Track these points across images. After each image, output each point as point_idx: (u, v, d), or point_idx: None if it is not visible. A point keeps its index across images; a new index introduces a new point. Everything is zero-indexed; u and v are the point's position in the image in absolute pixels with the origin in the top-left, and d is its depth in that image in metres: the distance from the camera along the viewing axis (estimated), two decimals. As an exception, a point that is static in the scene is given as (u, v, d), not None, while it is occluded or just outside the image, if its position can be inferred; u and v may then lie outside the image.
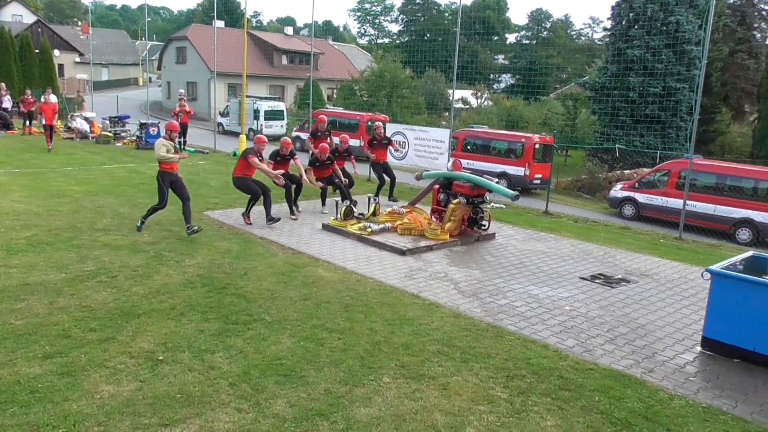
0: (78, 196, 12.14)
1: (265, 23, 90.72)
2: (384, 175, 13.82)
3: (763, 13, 34.34)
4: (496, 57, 68.46)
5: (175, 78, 46.17)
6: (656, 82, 24.74)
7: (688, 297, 7.68)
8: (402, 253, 8.99)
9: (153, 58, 71.33)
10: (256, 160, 10.32)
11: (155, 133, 21.60)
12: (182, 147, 20.94)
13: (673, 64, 24.88)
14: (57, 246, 8.47)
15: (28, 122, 24.08)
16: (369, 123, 24.60)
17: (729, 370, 5.49)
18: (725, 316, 5.72)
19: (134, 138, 22.37)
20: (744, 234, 15.33)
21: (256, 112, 30.20)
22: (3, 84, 25.53)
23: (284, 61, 46.77)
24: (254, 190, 10.45)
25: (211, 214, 11.18)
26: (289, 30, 55.44)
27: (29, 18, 56.84)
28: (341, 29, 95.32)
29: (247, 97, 27.49)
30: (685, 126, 24.88)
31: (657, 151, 22.65)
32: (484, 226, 10.32)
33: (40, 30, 48.93)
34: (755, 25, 34.16)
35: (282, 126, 32.42)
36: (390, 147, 14.51)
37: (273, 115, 31.95)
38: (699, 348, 5.95)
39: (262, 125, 29.47)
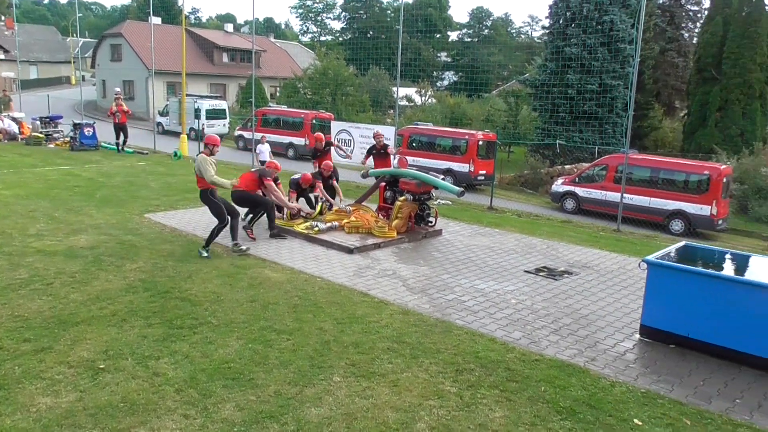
0: (7, 200, 11.56)
1: (204, 20, 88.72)
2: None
3: (690, 13, 35.94)
4: (438, 55, 69.13)
5: (111, 76, 44.51)
6: (593, 80, 25.55)
7: (627, 287, 7.97)
8: (350, 251, 8.97)
9: (86, 55, 68.39)
10: (273, 185, 9.63)
11: (90, 134, 20.79)
12: (121, 148, 20.25)
13: (609, 61, 25.75)
14: (-14, 253, 8.04)
15: None
16: (313, 121, 24.46)
17: (665, 356, 5.73)
18: (661, 304, 5.97)
19: (68, 139, 21.44)
20: (677, 225, 16.04)
21: (197, 111, 29.49)
22: None
23: (225, 59, 45.86)
24: (259, 203, 9.77)
25: (153, 216, 10.86)
26: (230, 27, 54.34)
27: (-55, 13, 53.63)
28: (283, 26, 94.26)
29: (187, 95, 26.83)
30: (621, 122, 25.78)
31: (595, 146, 23.43)
32: (431, 222, 10.42)
33: (-42, 26, 46.29)
34: (683, 25, 35.70)
35: (224, 125, 31.79)
36: (390, 154, 12.92)
37: (215, 114, 31.28)
38: (638, 336, 6.19)
39: (203, 125, 28.81)
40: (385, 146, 12.64)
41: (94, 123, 22.15)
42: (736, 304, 5.48)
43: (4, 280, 7.01)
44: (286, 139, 25.87)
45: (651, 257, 6.10)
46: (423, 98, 43.85)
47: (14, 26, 46.38)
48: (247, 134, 26.03)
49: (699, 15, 35.09)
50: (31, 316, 6.01)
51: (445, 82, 64.01)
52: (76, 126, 20.90)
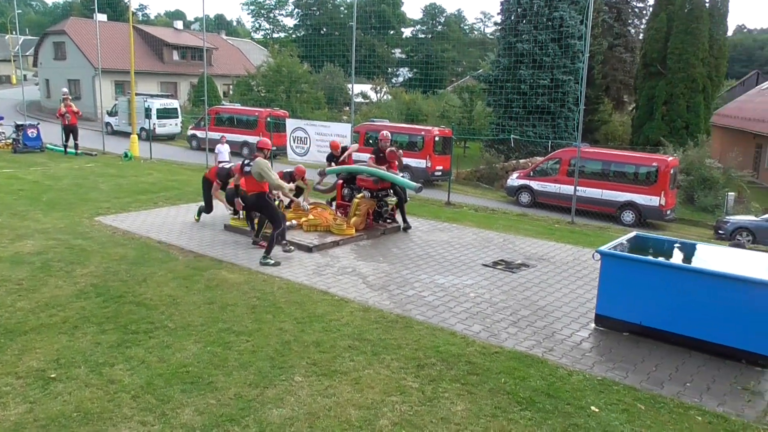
0: (-53, 206, 11.06)
1: (152, 17, 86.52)
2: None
3: (636, 10, 36.99)
4: (393, 51, 69.29)
5: (55, 75, 42.93)
6: (545, 75, 26.04)
7: (582, 278, 8.15)
8: (309, 250, 8.90)
9: (27, 53, 65.79)
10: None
11: (34, 135, 20.05)
12: (67, 150, 19.54)
13: (559, 57, 26.28)
14: (-75, 262, 7.69)
15: None
16: (268, 119, 24.16)
17: (620, 344, 5.88)
18: (614, 294, 6.12)
19: (10, 141, 20.60)
20: (628, 216, 16.52)
21: (148, 110, 28.75)
22: None
23: (175, 56, 44.83)
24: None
25: (104, 219, 10.54)
26: (179, 24, 53.14)
27: None
28: (235, 23, 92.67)
29: (136, 95, 26.14)
30: (573, 116, 26.36)
31: (548, 140, 23.89)
32: (389, 219, 10.43)
33: None
34: (629, 21, 36.73)
35: (176, 125, 31.12)
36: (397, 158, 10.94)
37: (166, 114, 30.57)
38: (593, 325, 6.33)
39: (154, 124, 28.14)
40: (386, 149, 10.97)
41: (38, 124, 21.34)
42: (685, 292, 5.66)
43: (-55, 290, 6.70)
44: (240, 137, 25.50)
45: (604, 248, 6.25)
46: (378, 95, 43.89)
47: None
48: (200, 134, 25.52)
49: (644, 12, 36.18)
50: (-25, 326, 5.76)
51: (400, 79, 64.18)
52: (18, 127, 20.09)
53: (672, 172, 16.73)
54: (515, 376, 5.10)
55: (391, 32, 68.95)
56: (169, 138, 30.26)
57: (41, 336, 5.60)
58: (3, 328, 5.70)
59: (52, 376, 4.86)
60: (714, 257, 6.59)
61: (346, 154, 11.48)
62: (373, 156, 10.61)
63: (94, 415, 4.32)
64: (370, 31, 62.87)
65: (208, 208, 10.55)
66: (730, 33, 36.26)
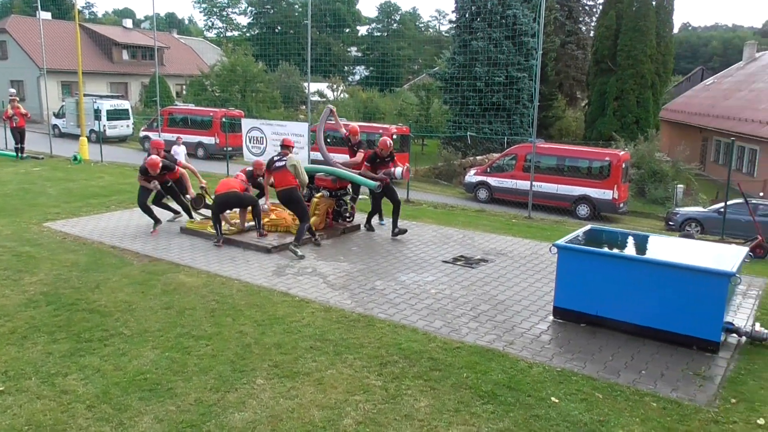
0: None
1: (99, 15, 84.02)
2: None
3: (587, 8, 37.88)
4: (349, 49, 69.15)
5: (-4, 76, 41.34)
6: (500, 72, 26.39)
7: (540, 271, 8.29)
8: (268, 251, 8.80)
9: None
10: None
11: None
12: (21, 155, 18.76)
13: (514, 54, 26.68)
14: None
15: None
16: (223, 119, 23.80)
17: (578, 335, 6.00)
18: (571, 286, 6.24)
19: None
20: (583, 210, 16.91)
21: (97, 111, 27.96)
22: None
23: (125, 56, 43.68)
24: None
25: (53, 225, 10.20)
26: (128, 23, 51.77)
27: None
28: (186, 22, 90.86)
29: (85, 95, 25.37)
30: (528, 112, 26.82)
31: (504, 136, 24.24)
32: (349, 218, 10.40)
33: None
34: (581, 19, 37.60)
35: (128, 126, 30.35)
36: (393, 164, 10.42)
37: (117, 115, 29.76)
38: (551, 317, 6.45)
39: (105, 126, 27.37)
40: (391, 154, 10.40)
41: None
42: (637, 282, 5.81)
43: None
44: (194, 138, 25.07)
45: (560, 242, 6.37)
46: (335, 93, 43.72)
47: None
48: (153, 135, 24.94)
49: (594, 10, 37.09)
50: None
51: (357, 77, 64.13)
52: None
53: (624, 166, 17.19)
54: (477, 370, 5.15)
55: (347, 30, 68.76)
56: (120, 140, 29.50)
57: (-12, 348, 5.38)
58: (-54, 341, 5.45)
59: (0, 389, 4.68)
60: (665, 248, 6.79)
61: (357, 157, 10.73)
62: (369, 164, 10.03)
63: (47, 428, 4.18)
64: (325, 30, 62.54)
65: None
66: (675, 30, 37.37)
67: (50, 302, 6.52)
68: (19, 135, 18.61)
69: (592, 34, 34.74)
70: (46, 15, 37.06)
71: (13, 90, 22.66)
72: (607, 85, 28.97)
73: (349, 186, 10.42)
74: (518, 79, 26.63)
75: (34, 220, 10.41)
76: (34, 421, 4.25)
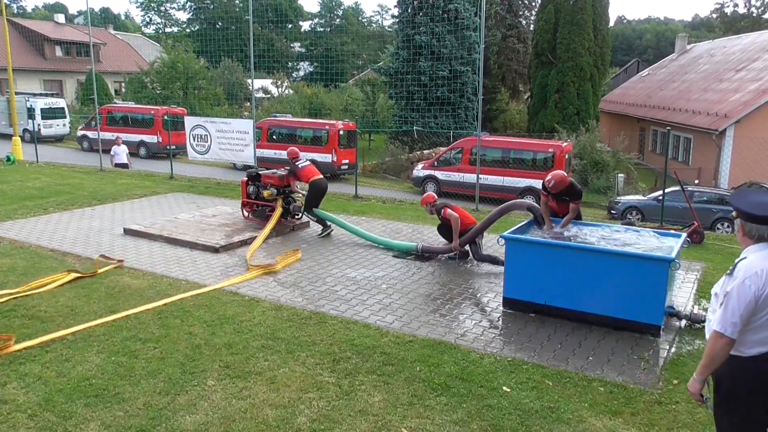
0: None
1: (29, 10, 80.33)
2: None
3: (526, 2, 38.64)
4: (292, 45, 68.39)
5: None
6: (443, 66, 26.65)
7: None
8: (215, 250, 8.64)
9: None
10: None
11: None
12: None
13: (457, 48, 26.99)
14: None
15: None
16: (165, 117, 23.19)
17: (527, 325, 6.15)
18: (519, 276, 6.38)
19: None
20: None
21: (31, 110, 26.78)
22: None
23: (58, 52, 41.95)
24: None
25: (-15, 229, 9.73)
26: (61, 18, 49.69)
27: None
28: (123, 17, 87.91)
29: (17, 94, 24.25)
30: (472, 106, 27.19)
31: (450, 130, 24.52)
32: (297, 215, 10.32)
33: None
34: (520, 13, 38.35)
35: (65, 125, 29.22)
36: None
37: (52, 114, 28.61)
38: (502, 308, 6.57)
39: (39, 125, 26.24)
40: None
41: None
42: (580, 270, 6.00)
43: None
44: (136, 137, 24.36)
45: (507, 233, 6.50)
46: (279, 89, 43.23)
47: None
48: (91, 134, 24.10)
49: (534, 3, 37.87)
50: None
51: (301, 73, 63.52)
52: None
53: (567, 157, 17.66)
54: (429, 363, 5.20)
55: (289, 26, 68.03)
56: (57, 139, 28.39)
57: None
58: None
59: (-67, 403, 4.45)
60: (607, 236, 7.00)
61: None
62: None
63: (-14, 441, 4.00)
64: (267, 25, 61.64)
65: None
66: (611, 23, 38.64)
67: (-15, 311, 6.23)
68: None
69: (532, 27, 35.48)
70: (-30, 9, 35.21)
71: None
72: (548, 78, 29.69)
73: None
74: (462, 72, 26.96)
75: (-36, 226, 9.91)
76: (-29, 435, 4.07)
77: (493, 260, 8.15)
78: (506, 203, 8.37)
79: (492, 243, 8.93)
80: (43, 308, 6.31)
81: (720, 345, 2.94)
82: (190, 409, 4.41)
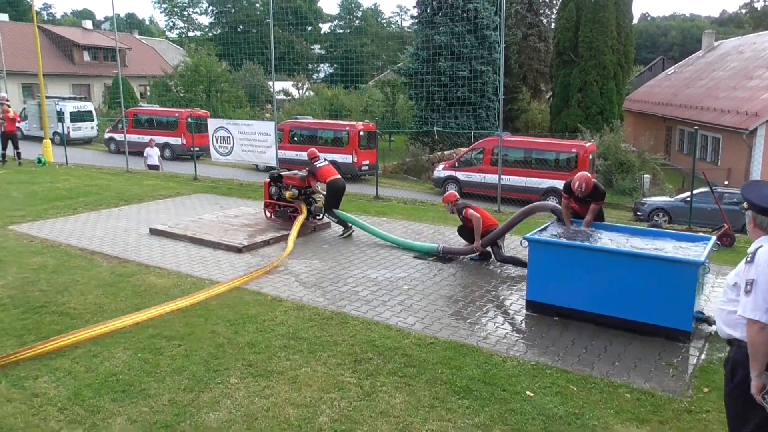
0: None
1: (58, 17, 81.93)
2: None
3: (547, 0, 38.32)
4: (312, 47, 68.74)
5: (-46, 79, 40.11)
6: (463, 66, 26.57)
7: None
8: (238, 250, 8.74)
9: None
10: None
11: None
12: (9, 160, 18.05)
13: (477, 48, 26.89)
14: None
15: None
16: (189, 119, 23.50)
17: (550, 328, 6.07)
18: (543, 279, 6.29)
19: None
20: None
21: (60, 114, 27.36)
22: None
23: (87, 57, 42.80)
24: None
25: (18, 228, 9.96)
26: (88, 24, 50.69)
27: None
28: (147, 22, 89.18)
29: (47, 98, 24.78)
30: (493, 106, 27.08)
31: (471, 130, 24.43)
32: (319, 216, 10.37)
33: None
34: (541, 11, 38.04)
35: (92, 128, 29.82)
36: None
37: (80, 117, 29.22)
38: (525, 311, 6.51)
39: (68, 128, 26.77)
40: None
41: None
42: (607, 273, 5.88)
43: None
44: (161, 139, 24.70)
45: (530, 234, 6.46)
46: (300, 91, 43.49)
47: None
48: (118, 136, 24.53)
49: (554, 1, 37.54)
50: None
51: (321, 75, 63.83)
52: None
53: (590, 157, 17.48)
54: (451, 365, 5.18)
55: (309, 28, 68.36)
56: (85, 142, 28.94)
57: (-47, 355, 5.26)
58: None
59: (-31, 394, 4.60)
60: (633, 238, 6.89)
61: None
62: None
63: (18, 431, 4.13)
64: (287, 28, 62.04)
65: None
66: (635, 21, 38.08)
67: (17, 305, 6.39)
68: (8, 140, 17.83)
69: (553, 26, 35.17)
70: (3, 17, 36.17)
71: (4, 93, 21.85)
72: (570, 76, 29.40)
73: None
74: (482, 72, 26.85)
75: (-3, 225, 10.17)
76: (4, 424, 4.19)
77: (516, 262, 8.12)
78: (530, 205, 8.33)
79: (515, 244, 8.89)
80: (72, 305, 6.45)
81: (755, 330, 2.92)
82: (214, 406, 4.47)
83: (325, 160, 10.63)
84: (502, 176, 13.73)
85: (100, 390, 4.68)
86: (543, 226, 7.04)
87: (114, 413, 4.36)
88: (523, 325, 6.22)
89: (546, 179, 17.18)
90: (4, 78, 23.55)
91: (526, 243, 6.39)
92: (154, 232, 9.79)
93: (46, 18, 71.13)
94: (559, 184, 16.94)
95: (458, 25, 26.63)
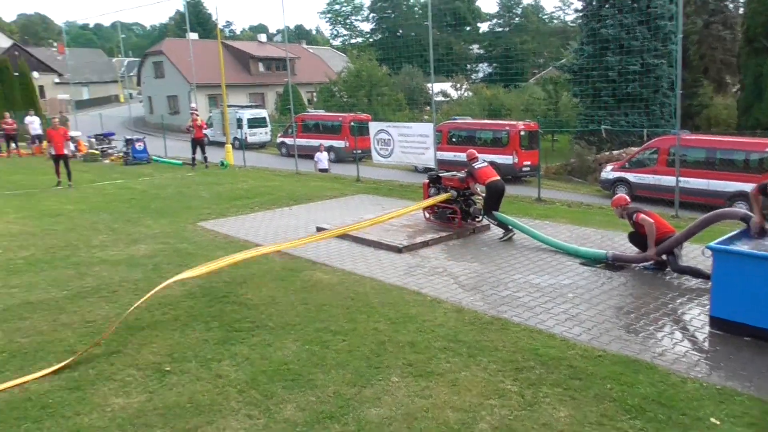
0: (72, 214, 12.14)
1: (238, 32, 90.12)
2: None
3: (735, -17, 34.53)
4: (471, 47, 68.50)
5: (156, 92, 45.85)
6: (634, 60, 24.84)
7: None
8: (398, 250, 8.92)
9: (131, 74, 70.84)
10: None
11: (141, 148, 21.55)
12: (205, 164, 20.23)
13: (649, 40, 24.99)
14: (55, 264, 8.51)
15: (13, 144, 24.03)
16: (352, 123, 24.56)
17: (740, 349, 5.39)
18: (731, 294, 5.59)
19: (121, 154, 22.22)
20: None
21: (239, 120, 30.07)
22: None
23: (261, 68, 46.58)
24: None
25: (205, 224, 11.08)
26: (263, 37, 55.19)
27: (5, 42, 56.29)
28: (314, 32, 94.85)
29: (228, 106, 27.31)
30: (669, 102, 25.02)
31: (643, 129, 22.76)
32: (478, 218, 10.27)
33: (17, 53, 48.28)
34: (727, -4, 34.34)
35: (266, 133, 32.36)
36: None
37: (256, 123, 31.87)
38: (708, 328, 5.86)
39: (246, 133, 29.31)
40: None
41: (144, 138, 22.93)
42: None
43: (74, 288, 7.39)
44: (325, 142, 26.09)
45: (715, 243, 5.81)
46: (459, 92, 43.53)
47: (65, 51, 48.39)
48: (288, 141, 26.32)
49: (744, -15, 33.69)
50: (100, 321, 6.30)
51: (480, 75, 63.40)
52: (128, 141, 21.68)
53: (788, 157, 15.40)
54: (622, 381, 4.82)
55: (468, 28, 68.18)
56: (260, 146, 31.44)
57: (156, 332, 6.00)
58: (124, 324, 6.10)
59: (167, 369, 5.18)
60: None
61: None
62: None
63: (205, 407, 4.55)
64: (446, 29, 62.46)
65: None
66: None
67: (205, 294, 7.08)
68: (197, 145, 19.98)
69: (741, 11, 31.59)
70: (194, 36, 40.54)
71: (193, 104, 24.80)
72: (763, 67, 26.15)
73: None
74: (655, 66, 24.89)
75: (189, 220, 11.40)
76: (194, 399, 4.66)
77: (696, 273, 7.39)
78: (714, 212, 7.51)
79: (695, 254, 8.10)
80: (250, 296, 7.00)
81: None
82: (375, 402, 4.58)
83: (484, 161, 10.48)
84: (680, 178, 12.57)
85: (273, 377, 5.01)
86: (729, 235, 6.29)
87: (285, 400, 4.64)
88: (707, 343, 5.61)
89: (732, 182, 15.40)
90: (194, 90, 26.33)
91: (710, 252, 5.75)
92: (320, 230, 10.32)
93: (227, 34, 78.65)
94: (748, 187, 15.17)
95: (628, 16, 24.94)
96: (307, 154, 22.44)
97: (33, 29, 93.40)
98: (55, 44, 66.84)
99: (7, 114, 24.79)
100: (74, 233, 10.43)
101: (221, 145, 25.60)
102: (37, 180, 17.24)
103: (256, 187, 15.65)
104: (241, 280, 7.61)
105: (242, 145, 23.39)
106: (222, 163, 20.41)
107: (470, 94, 42.38)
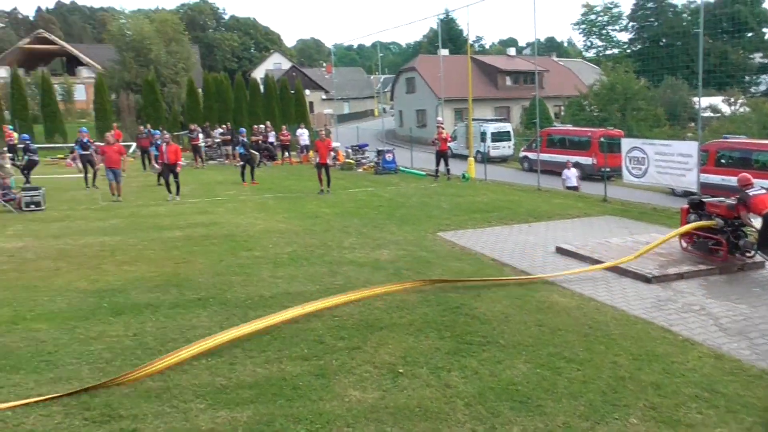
0: (328, 217, 13.49)
1: (487, 47, 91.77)
2: None
3: None
4: (751, 56, 60.02)
5: (406, 106, 48.92)
6: None
7: None
8: (647, 280, 8.18)
9: (386, 90, 76.89)
10: None
11: (390, 159, 23.17)
12: (448, 176, 21.16)
13: None
14: (312, 261, 9.52)
15: (286, 153, 27.70)
16: (601, 139, 23.29)
17: None
18: None
19: (372, 164, 24.17)
20: None
21: (483, 134, 30.51)
22: (268, 122, 29.49)
23: (508, 82, 46.75)
24: None
25: (444, 234, 11.46)
26: (512, 51, 55.34)
27: (286, 64, 65.64)
28: (565, 44, 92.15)
29: (473, 120, 27.90)
30: None
31: None
32: (749, 252, 8.91)
33: (294, 74, 56.00)
34: None
35: (509, 147, 32.34)
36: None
37: (499, 137, 32.03)
38: None
39: (489, 147, 29.67)
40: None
41: (394, 149, 24.63)
42: None
43: (326, 284, 8.21)
44: (572, 158, 25.15)
45: None
46: (733, 107, 38.54)
47: (332, 70, 54.59)
48: (531, 155, 25.96)
49: None
50: (345, 317, 6.86)
51: (762, 87, 55.28)
52: (379, 152, 23.55)
53: None
54: None
55: (749, 35, 59.85)
56: (502, 160, 31.55)
57: (392, 334, 6.35)
58: (365, 323, 6.62)
59: (400, 371, 5.45)
60: None
61: None
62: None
63: (432, 414, 4.67)
64: (720, 36, 55.71)
65: None
66: None
67: (440, 303, 7.31)
68: (440, 158, 20.90)
69: None
70: (444, 52, 42.39)
71: (440, 118, 26.32)
72: None
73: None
74: None
75: (429, 230, 11.90)
76: (422, 405, 4.82)
77: None
78: None
79: None
80: (482, 311, 7.03)
81: None
82: (612, 442, 4.26)
83: (762, 188, 9.08)
84: None
85: (501, 395, 4.95)
86: None
87: (511, 421, 4.56)
88: None
89: None
90: (442, 104, 27.46)
91: None
92: (560, 250, 9.97)
93: (477, 49, 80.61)
94: None
95: None
96: (551, 170, 21.82)
97: (308, 52, 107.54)
98: (324, 64, 75.69)
99: (284, 127, 28.78)
100: (329, 234, 11.56)
101: (464, 158, 26.26)
102: (303, 185, 19.49)
103: (495, 201, 15.72)
104: (474, 294, 7.68)
105: (484, 159, 23.67)
106: (464, 176, 20.91)
107: (747, 109, 37.24)
